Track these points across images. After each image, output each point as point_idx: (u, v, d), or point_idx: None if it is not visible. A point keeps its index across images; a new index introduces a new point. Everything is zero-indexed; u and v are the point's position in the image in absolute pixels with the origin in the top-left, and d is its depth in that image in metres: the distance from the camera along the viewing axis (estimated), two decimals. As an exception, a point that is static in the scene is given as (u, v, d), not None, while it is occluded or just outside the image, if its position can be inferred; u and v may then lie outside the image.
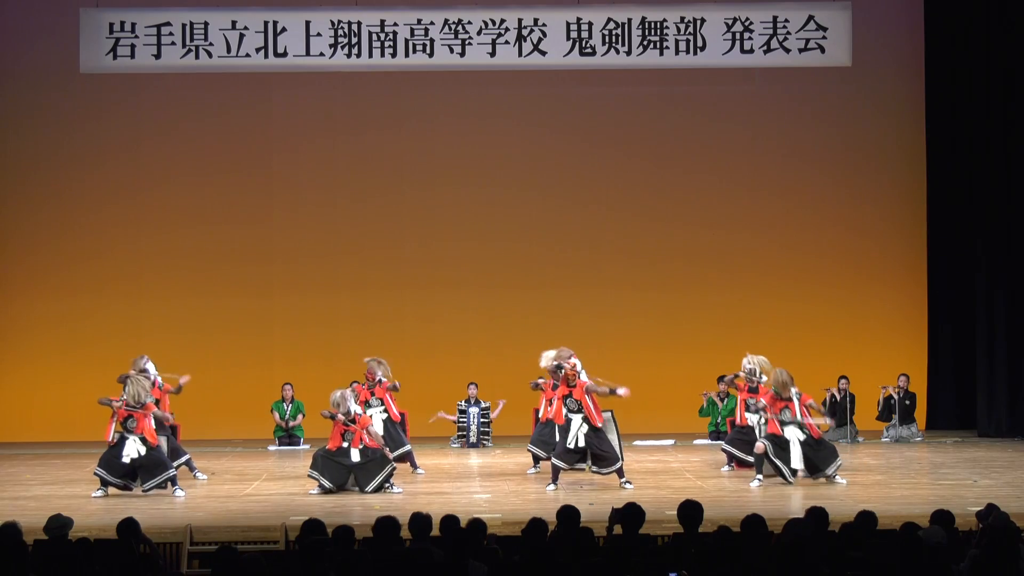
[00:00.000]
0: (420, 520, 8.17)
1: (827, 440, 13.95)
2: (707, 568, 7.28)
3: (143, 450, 13.12)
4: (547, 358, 14.64)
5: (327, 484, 13.25)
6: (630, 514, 8.26)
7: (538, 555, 7.32)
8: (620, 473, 13.55)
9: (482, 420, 17.86)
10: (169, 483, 13.21)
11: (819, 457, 13.54)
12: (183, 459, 14.40)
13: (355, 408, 13.74)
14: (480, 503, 12.52)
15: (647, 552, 7.68)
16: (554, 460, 13.64)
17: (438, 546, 7.81)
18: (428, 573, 7.07)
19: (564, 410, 13.62)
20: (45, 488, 13.96)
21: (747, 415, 14.79)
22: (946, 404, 19.12)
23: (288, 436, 18.11)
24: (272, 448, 17.95)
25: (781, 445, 13.49)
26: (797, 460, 13.46)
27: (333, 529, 8.17)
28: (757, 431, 14.36)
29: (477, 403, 17.92)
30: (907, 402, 18.24)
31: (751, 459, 14.01)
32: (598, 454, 13.55)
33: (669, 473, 14.84)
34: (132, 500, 12.93)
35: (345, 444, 13.40)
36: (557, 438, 14.01)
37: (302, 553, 8.00)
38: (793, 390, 13.66)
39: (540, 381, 15.13)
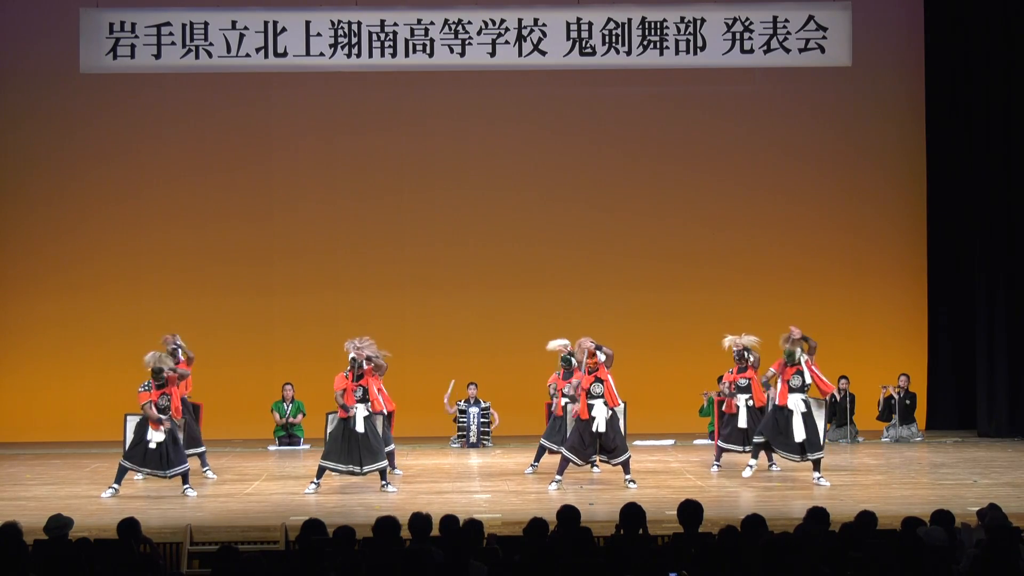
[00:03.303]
0: (420, 520, 8.17)
1: (820, 433, 13.93)
2: (707, 568, 7.28)
3: (163, 437, 13.14)
4: (555, 346, 14.77)
5: (340, 468, 13.26)
6: (630, 514, 8.26)
7: (538, 555, 7.32)
8: (626, 468, 13.55)
9: (482, 420, 17.87)
10: (181, 478, 13.25)
11: (808, 441, 13.58)
12: (197, 451, 14.45)
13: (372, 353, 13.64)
14: (480, 503, 12.52)
15: (647, 552, 7.68)
16: (565, 452, 13.63)
17: (438, 546, 7.81)
18: (428, 573, 7.07)
19: (588, 400, 13.57)
20: (45, 488, 13.96)
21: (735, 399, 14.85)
22: (946, 404, 19.12)
23: (288, 436, 18.12)
24: (272, 448, 17.95)
25: (781, 427, 13.52)
26: (800, 433, 13.52)
27: (333, 529, 8.17)
28: (744, 413, 14.45)
29: (477, 403, 17.93)
30: (907, 402, 18.24)
31: (738, 448, 14.15)
32: (610, 446, 13.56)
33: (669, 473, 14.84)
34: (132, 500, 12.93)
35: (353, 411, 13.32)
36: (568, 431, 14.04)
37: (302, 553, 8.00)
38: (803, 355, 13.74)
39: (553, 386, 15.14)
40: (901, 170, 19.51)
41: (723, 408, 15.12)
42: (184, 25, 17.14)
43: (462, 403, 17.98)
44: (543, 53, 17.41)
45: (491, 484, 14.10)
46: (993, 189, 18.47)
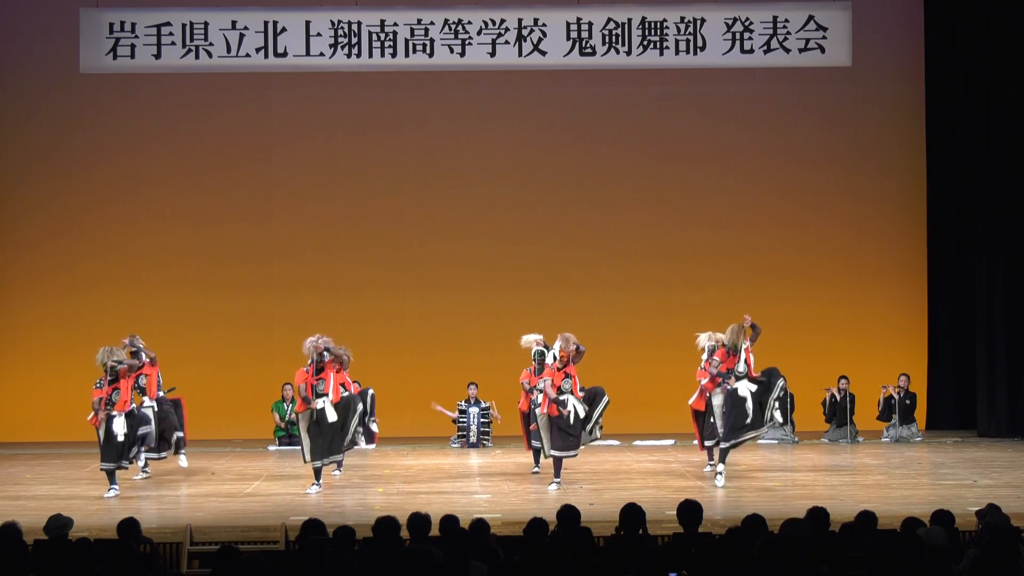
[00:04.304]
0: (418, 520, 8.16)
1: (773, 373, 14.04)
2: (707, 568, 7.28)
3: (127, 427, 13.27)
4: (529, 340, 14.70)
5: (328, 459, 13.40)
6: (630, 514, 8.26)
7: (538, 555, 7.32)
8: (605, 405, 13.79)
9: (482, 420, 17.86)
10: (139, 444, 13.49)
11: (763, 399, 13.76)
12: (175, 436, 14.48)
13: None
14: (480, 503, 12.52)
15: (647, 552, 7.67)
16: (555, 454, 13.63)
17: (437, 546, 7.81)
18: (428, 573, 7.07)
19: (558, 396, 13.59)
20: (45, 488, 13.97)
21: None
22: (946, 404, 19.12)
23: (288, 436, 18.12)
24: (272, 448, 17.95)
25: (739, 413, 13.57)
26: (751, 413, 13.63)
27: (333, 529, 8.17)
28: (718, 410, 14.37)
29: (477, 403, 17.92)
30: (907, 402, 18.24)
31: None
32: (589, 411, 13.66)
33: (669, 473, 14.85)
34: (132, 500, 12.94)
35: (319, 405, 13.38)
36: (544, 432, 13.99)
37: (302, 553, 8.00)
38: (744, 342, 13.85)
39: (526, 382, 15.00)
40: (901, 170, 19.51)
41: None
42: (184, 25, 17.15)
43: (462, 403, 17.98)
44: (543, 53, 17.41)
45: (491, 484, 14.10)
46: (993, 189, 18.47)
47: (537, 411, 13.96)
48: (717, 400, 14.06)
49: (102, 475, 14.24)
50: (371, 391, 15.62)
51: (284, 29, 17.27)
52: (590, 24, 17.38)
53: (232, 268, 19.34)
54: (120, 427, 13.28)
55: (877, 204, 19.60)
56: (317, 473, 13.39)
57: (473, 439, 17.76)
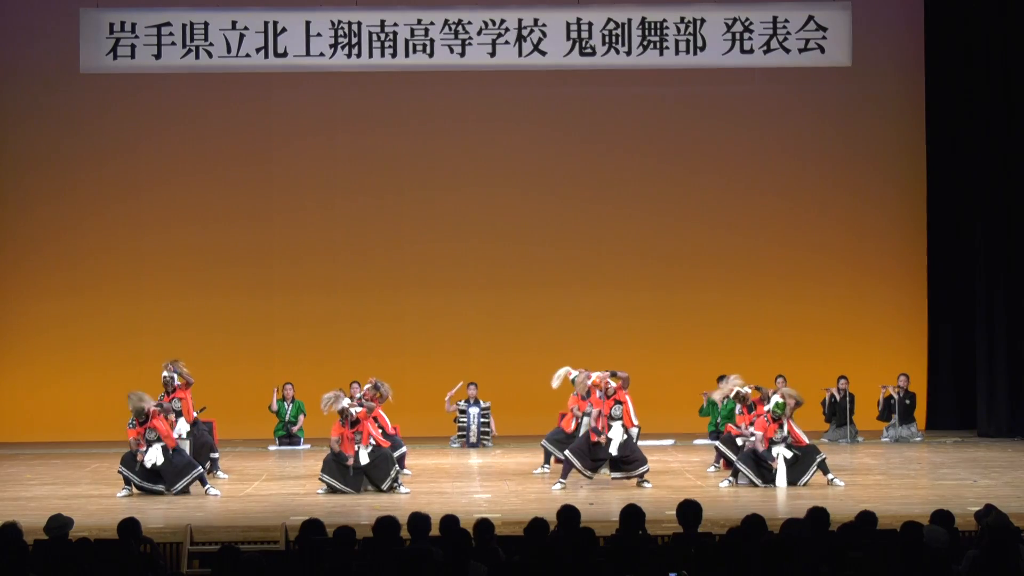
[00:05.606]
0: (419, 520, 8.17)
1: (810, 445, 13.85)
2: (707, 568, 7.28)
3: (162, 458, 13.15)
4: (559, 378, 14.63)
5: (341, 487, 13.23)
6: (630, 514, 8.26)
7: (538, 555, 7.32)
8: (642, 477, 13.62)
9: (482, 420, 17.86)
10: (199, 481, 13.24)
11: (800, 467, 13.53)
12: (212, 456, 14.49)
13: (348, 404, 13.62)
14: (480, 503, 12.52)
15: (647, 552, 7.68)
16: (567, 454, 13.61)
17: (437, 546, 7.81)
18: (428, 573, 7.07)
19: (608, 427, 13.54)
20: (45, 488, 13.96)
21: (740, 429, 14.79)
22: (946, 404, 19.11)
23: (288, 436, 18.12)
24: (272, 448, 17.96)
25: (759, 462, 13.50)
26: (781, 478, 13.43)
27: (333, 529, 8.18)
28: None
29: (477, 403, 17.93)
30: (907, 402, 18.24)
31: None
32: (626, 458, 13.57)
33: (669, 473, 14.85)
34: (132, 500, 12.94)
35: (357, 448, 13.33)
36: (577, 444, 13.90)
37: (302, 553, 8.01)
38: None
39: (576, 408, 14.75)
40: (901, 170, 19.51)
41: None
42: (184, 25, 17.15)
43: (462, 403, 17.98)
44: (543, 53, 17.42)
45: (491, 484, 14.10)
46: (993, 189, 18.47)
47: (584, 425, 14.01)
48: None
49: (102, 475, 14.34)
50: (404, 448, 14.86)
51: (284, 29, 17.27)
52: (590, 24, 17.39)
53: (232, 268, 19.33)
54: (154, 456, 13.16)
55: (877, 204, 19.60)
56: (330, 486, 13.32)
57: (473, 439, 17.76)
